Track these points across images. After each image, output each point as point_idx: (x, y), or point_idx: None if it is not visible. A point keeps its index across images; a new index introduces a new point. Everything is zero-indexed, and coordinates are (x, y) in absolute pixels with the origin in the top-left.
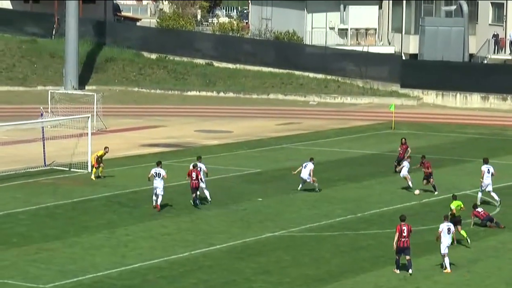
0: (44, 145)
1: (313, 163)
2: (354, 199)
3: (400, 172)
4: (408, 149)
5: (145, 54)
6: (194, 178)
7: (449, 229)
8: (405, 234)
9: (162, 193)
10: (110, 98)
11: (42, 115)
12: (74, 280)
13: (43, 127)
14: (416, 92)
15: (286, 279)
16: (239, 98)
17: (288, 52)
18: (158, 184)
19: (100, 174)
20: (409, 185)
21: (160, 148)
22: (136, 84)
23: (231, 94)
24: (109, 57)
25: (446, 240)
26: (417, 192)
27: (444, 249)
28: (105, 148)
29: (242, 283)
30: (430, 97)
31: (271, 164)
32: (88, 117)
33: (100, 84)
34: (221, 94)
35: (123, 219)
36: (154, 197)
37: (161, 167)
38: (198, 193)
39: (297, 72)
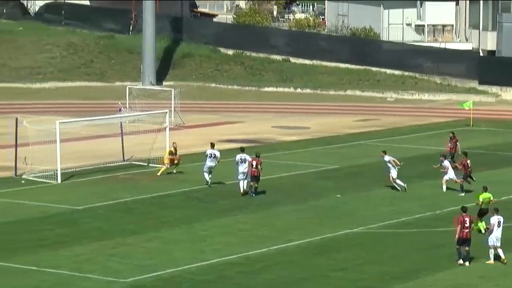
0: (122, 141)
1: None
2: (431, 196)
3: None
4: (458, 143)
5: (222, 50)
6: (254, 166)
7: (499, 222)
8: (467, 225)
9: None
10: (188, 94)
11: (120, 110)
12: (153, 274)
13: (121, 123)
14: (494, 89)
15: (363, 276)
16: (315, 94)
17: (365, 49)
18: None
19: (174, 171)
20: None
21: (237, 144)
22: (213, 80)
23: (307, 90)
24: (186, 53)
25: (496, 233)
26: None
27: (492, 241)
28: (173, 143)
29: (319, 279)
30: (509, 94)
31: (348, 161)
32: (166, 112)
33: (178, 79)
34: (298, 90)
35: (201, 215)
36: (240, 184)
37: (214, 148)
38: (257, 183)
39: (374, 69)
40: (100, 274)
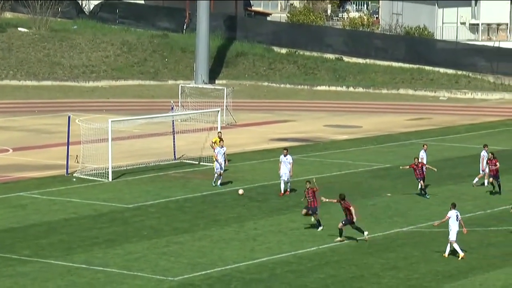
0: (174, 139)
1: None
2: (484, 195)
3: None
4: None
5: (276, 49)
6: (419, 168)
7: (457, 216)
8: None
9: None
10: (240, 93)
11: (172, 109)
12: (203, 273)
13: (173, 121)
14: None
15: (415, 275)
16: (368, 93)
17: (419, 47)
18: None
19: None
20: None
21: (289, 142)
22: (266, 78)
23: (360, 89)
24: (239, 52)
25: (455, 227)
26: None
27: (452, 236)
28: (218, 132)
29: (370, 278)
30: None
31: (401, 160)
32: (218, 111)
33: (231, 78)
34: (351, 89)
35: (252, 213)
36: (282, 185)
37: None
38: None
39: (427, 67)
40: (150, 272)
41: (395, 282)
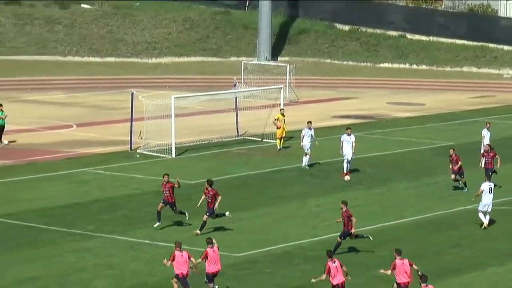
0: (237, 116)
1: None
2: None
3: None
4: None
5: (338, 26)
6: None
7: (490, 189)
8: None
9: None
10: (303, 70)
11: (235, 85)
12: (265, 249)
13: (236, 98)
14: None
15: (478, 252)
16: (431, 70)
17: (482, 25)
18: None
19: (279, 147)
20: None
21: (352, 119)
22: (328, 55)
23: (423, 67)
24: (301, 29)
25: (486, 199)
26: None
27: (482, 206)
28: (281, 109)
29: (433, 255)
30: None
31: (464, 138)
32: (281, 88)
33: (293, 55)
34: (414, 66)
35: (315, 190)
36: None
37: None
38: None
39: (491, 45)
40: None
41: (457, 260)
